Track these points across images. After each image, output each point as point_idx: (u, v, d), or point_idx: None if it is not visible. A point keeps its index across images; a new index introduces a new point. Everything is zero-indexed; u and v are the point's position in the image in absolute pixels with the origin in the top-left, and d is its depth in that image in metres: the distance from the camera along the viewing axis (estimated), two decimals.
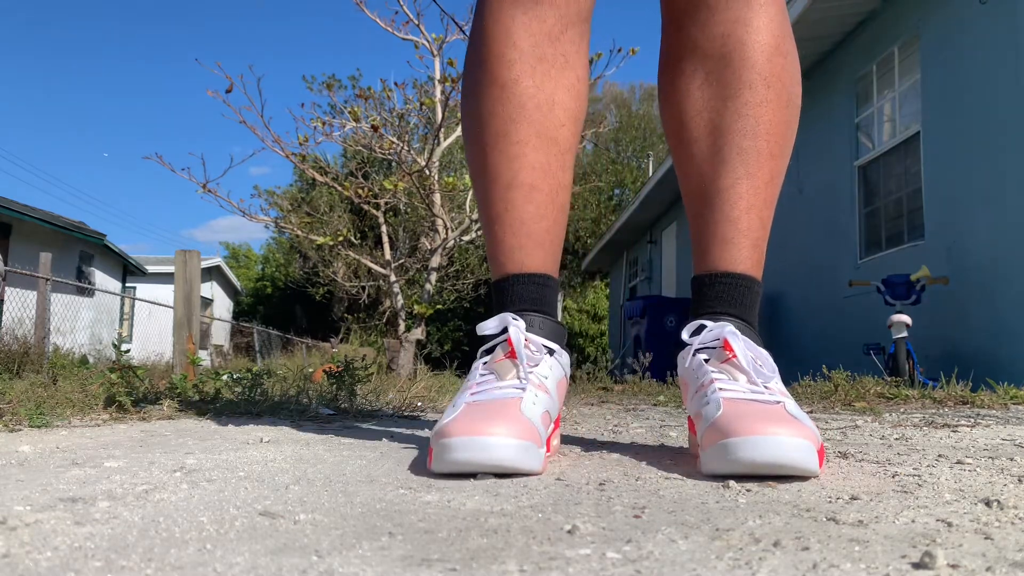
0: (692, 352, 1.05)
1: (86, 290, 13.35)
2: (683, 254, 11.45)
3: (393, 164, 6.54)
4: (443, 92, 5.68)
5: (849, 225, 6.67)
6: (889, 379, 2.96)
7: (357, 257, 6.26)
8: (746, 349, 1.00)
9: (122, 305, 17.47)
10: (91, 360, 7.88)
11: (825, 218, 7.14)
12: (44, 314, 7.54)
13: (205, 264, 21.55)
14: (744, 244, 1.10)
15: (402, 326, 5.82)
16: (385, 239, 6.20)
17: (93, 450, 1.15)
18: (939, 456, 1.07)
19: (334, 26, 53.91)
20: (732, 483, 0.83)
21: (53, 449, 1.16)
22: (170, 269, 7.19)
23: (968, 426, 1.58)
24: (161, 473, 0.92)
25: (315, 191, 21.32)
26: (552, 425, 1.04)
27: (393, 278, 6.01)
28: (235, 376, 2.24)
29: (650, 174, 16.03)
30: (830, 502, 0.73)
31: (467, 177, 4.93)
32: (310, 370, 4.05)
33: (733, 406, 0.91)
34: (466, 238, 6.16)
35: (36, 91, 62.45)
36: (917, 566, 0.51)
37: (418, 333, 5.64)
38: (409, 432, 1.47)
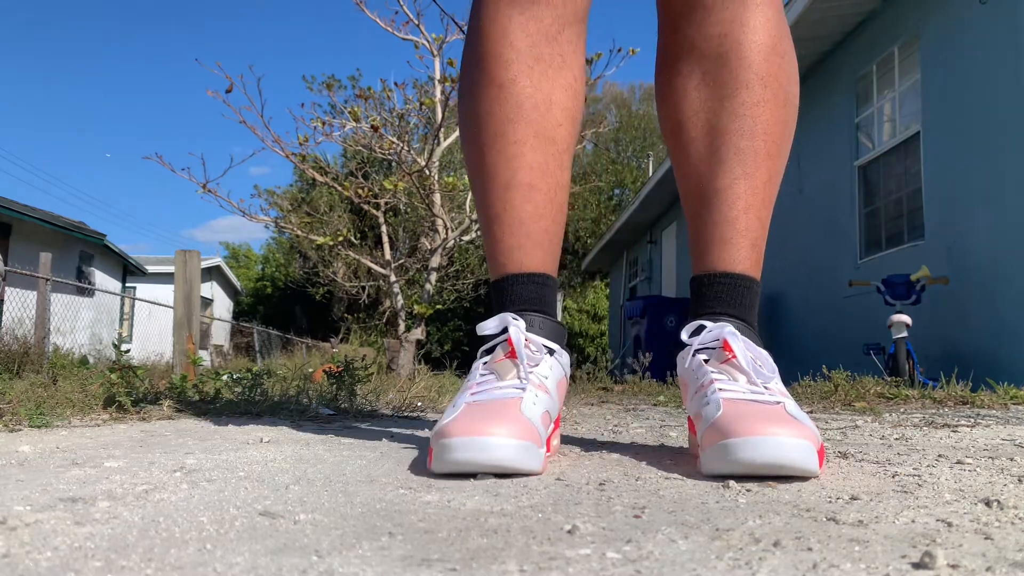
0: (692, 353, 1.05)
1: (86, 290, 13.35)
2: (683, 254, 11.45)
3: (393, 164, 6.54)
4: (443, 92, 5.69)
5: (849, 225, 6.67)
6: (889, 379, 2.96)
7: (357, 257, 6.26)
8: (746, 349, 1.00)
9: (122, 305, 17.47)
10: (91, 360, 7.88)
11: (825, 218, 7.14)
12: (44, 314, 7.54)
13: (205, 264, 21.55)
14: (743, 244, 1.10)
15: (402, 326, 5.82)
16: (385, 239, 6.20)
17: (93, 450, 1.15)
18: (939, 456, 1.07)
19: (334, 26, 53.93)
20: (732, 483, 0.83)
21: (53, 449, 1.16)
22: (170, 269, 7.19)
23: (968, 426, 1.58)
24: (161, 473, 0.92)
25: (315, 191, 21.33)
26: (552, 425, 1.04)
27: (393, 278, 6.01)
28: (235, 376, 2.24)
29: (650, 174, 16.03)
30: (830, 502, 0.73)
31: (467, 177, 4.94)
32: (310, 370, 4.05)
33: (733, 406, 0.91)
34: (466, 238, 6.16)
35: (36, 91, 62.50)
36: (917, 566, 0.51)
37: (418, 333, 5.64)
38: (409, 432, 1.47)
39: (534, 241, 1.11)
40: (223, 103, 5.26)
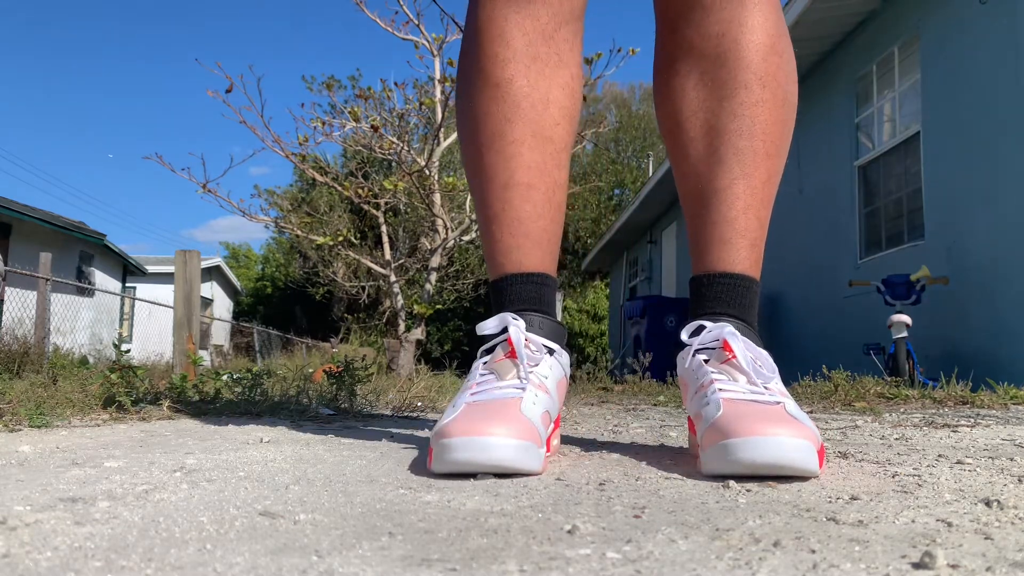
0: (692, 353, 1.05)
1: (86, 290, 13.35)
2: (683, 254, 11.45)
3: (393, 164, 6.54)
4: (443, 92, 5.69)
5: (849, 225, 6.67)
6: (889, 379, 2.96)
7: (357, 257, 6.26)
8: (745, 350, 1.00)
9: (122, 305, 17.47)
10: (91, 360, 7.88)
11: (825, 218, 7.14)
12: (44, 314, 7.54)
13: (205, 264, 21.55)
14: (742, 244, 1.09)
15: (402, 326, 5.82)
16: (385, 239, 6.21)
17: (93, 450, 1.15)
18: (939, 456, 1.07)
19: (334, 26, 53.93)
20: (732, 483, 0.83)
21: (53, 449, 1.16)
22: (170, 269, 7.19)
23: (968, 426, 1.58)
24: (161, 473, 0.92)
25: (315, 191, 21.33)
26: (552, 425, 1.04)
27: (393, 278, 6.01)
28: (235, 376, 2.24)
29: (650, 174, 16.02)
30: (830, 502, 0.73)
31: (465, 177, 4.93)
32: (310, 370, 4.05)
33: (733, 407, 0.91)
34: (466, 238, 6.16)
35: (36, 91, 62.50)
36: (917, 566, 0.51)
37: (418, 333, 5.64)
38: (409, 432, 1.47)
39: (533, 241, 1.11)
40: (223, 103, 5.27)
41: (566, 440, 1.30)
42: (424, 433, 1.45)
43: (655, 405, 2.68)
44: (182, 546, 0.58)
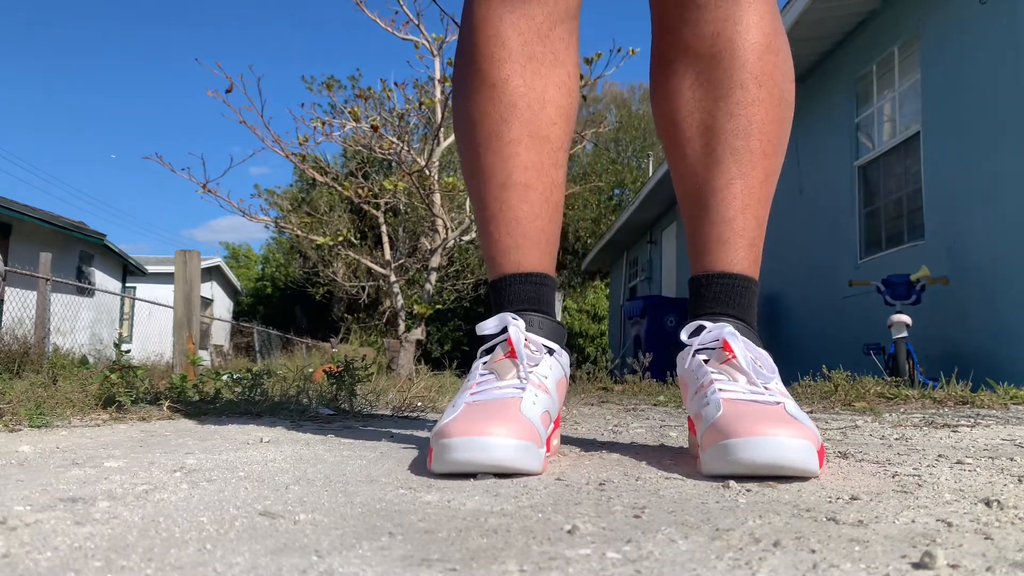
0: (691, 353, 1.05)
1: (86, 290, 13.35)
2: (683, 254, 11.45)
3: (393, 164, 6.54)
4: (443, 92, 5.69)
5: (849, 225, 6.67)
6: (889, 379, 2.96)
7: (357, 257, 6.27)
8: (745, 350, 1.00)
9: (122, 305, 17.47)
10: (91, 360, 7.88)
11: (825, 218, 7.14)
12: (44, 314, 7.54)
13: (205, 264, 21.55)
14: (740, 244, 1.09)
15: (402, 326, 5.82)
16: (385, 239, 6.21)
17: (93, 450, 1.15)
18: (939, 456, 1.07)
19: (334, 26, 53.93)
20: (732, 483, 0.83)
21: (53, 449, 1.16)
22: (170, 269, 7.19)
23: (968, 426, 1.58)
24: (161, 473, 0.92)
25: (315, 191, 21.33)
26: (552, 425, 1.04)
27: (393, 278, 6.01)
28: (235, 376, 2.24)
29: (650, 174, 16.02)
30: (830, 502, 0.73)
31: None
32: (310, 370, 4.05)
33: (733, 407, 0.91)
34: (466, 238, 6.16)
35: (36, 91, 62.48)
36: (917, 566, 0.51)
37: (418, 333, 5.64)
38: (409, 432, 1.47)
39: (531, 241, 1.11)
40: (223, 103, 5.27)
41: (566, 440, 1.30)
42: (424, 433, 1.45)
43: (655, 405, 2.68)
44: (182, 546, 0.58)
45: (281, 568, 0.52)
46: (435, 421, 1.72)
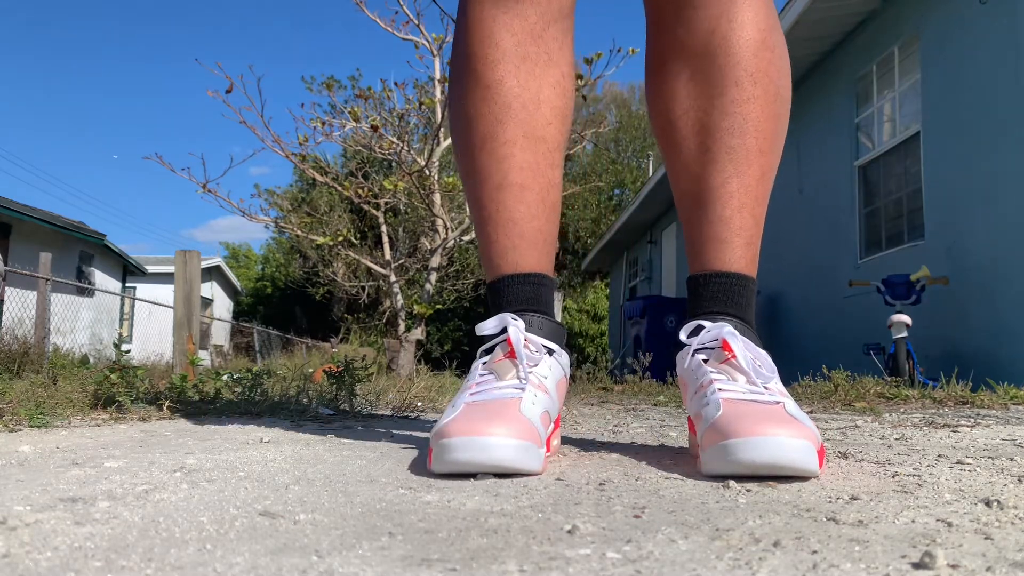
0: (691, 353, 1.05)
1: (86, 290, 13.35)
2: (683, 254, 11.33)
3: (393, 164, 6.54)
4: (443, 92, 5.69)
5: (849, 225, 6.68)
6: (889, 379, 2.96)
7: (357, 257, 6.27)
8: (745, 349, 1.00)
9: (122, 305, 17.47)
10: (91, 360, 7.88)
11: (825, 218, 7.14)
12: (44, 314, 7.54)
13: (205, 264, 21.55)
14: (737, 243, 1.09)
15: (402, 326, 5.82)
16: (385, 239, 6.21)
17: (93, 450, 1.15)
18: (939, 456, 1.07)
19: (334, 26, 53.93)
20: (732, 483, 0.83)
21: (53, 449, 1.16)
22: (170, 269, 7.19)
23: (968, 426, 1.58)
24: (161, 473, 0.92)
25: (315, 191, 21.33)
26: (552, 425, 1.04)
27: (393, 278, 6.01)
28: (235, 376, 2.24)
29: (650, 174, 16.02)
30: (830, 502, 0.73)
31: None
32: (310, 370, 4.05)
33: (732, 407, 0.91)
34: (466, 238, 6.16)
35: (36, 91, 62.48)
36: (917, 566, 0.51)
37: (418, 333, 5.64)
38: (409, 432, 1.47)
39: (528, 241, 1.11)
40: (223, 103, 5.27)
41: (566, 440, 1.30)
42: (424, 433, 1.45)
43: (655, 405, 2.68)
44: (182, 546, 0.58)
45: (281, 568, 0.52)
46: (435, 421, 1.72)
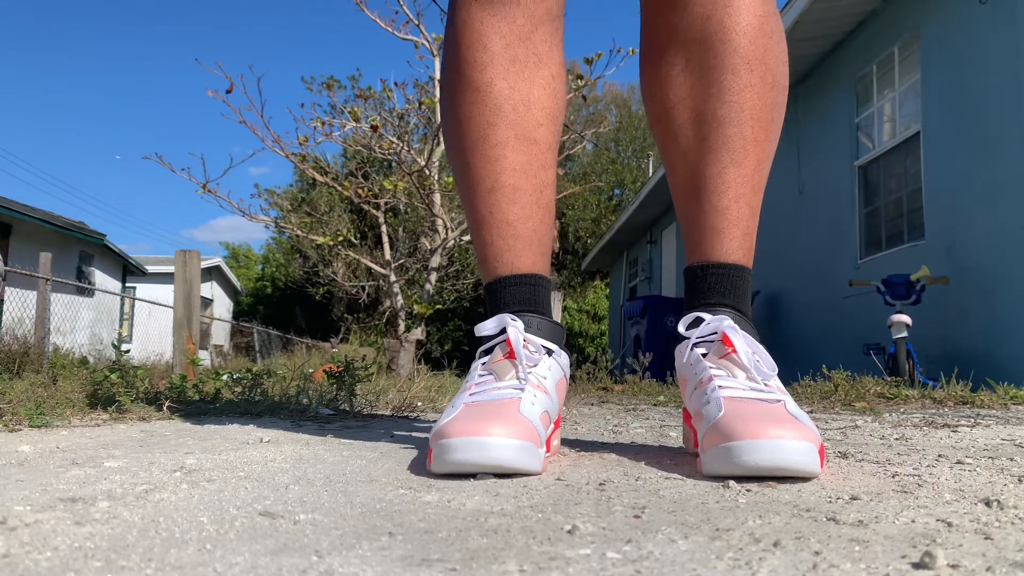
0: (690, 346, 1.04)
1: (86, 290, 13.35)
2: (683, 254, 11.42)
3: (393, 164, 6.54)
4: None
5: (849, 225, 6.68)
6: (889, 379, 2.96)
7: (357, 257, 6.27)
8: (745, 344, 0.99)
9: (122, 305, 17.47)
10: (91, 360, 7.88)
11: (825, 218, 7.14)
12: (44, 314, 7.54)
13: (205, 264, 21.56)
14: (735, 234, 1.09)
15: (402, 326, 5.83)
16: (385, 239, 6.21)
17: (93, 450, 1.15)
18: (939, 456, 1.07)
19: (334, 26, 53.94)
20: (732, 483, 0.83)
21: (53, 449, 1.16)
22: (170, 269, 7.19)
23: (968, 426, 1.58)
24: (161, 473, 0.92)
25: (315, 191, 21.33)
26: (552, 425, 1.04)
27: (393, 278, 6.02)
28: (235, 376, 2.24)
29: (650, 174, 16.02)
30: (830, 502, 0.73)
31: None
32: (310, 370, 4.05)
33: (734, 406, 0.90)
34: (466, 238, 6.16)
35: (36, 91, 62.46)
36: (917, 566, 0.51)
37: (418, 333, 5.64)
38: (409, 432, 1.47)
39: (523, 242, 1.11)
40: (223, 103, 5.27)
41: (566, 440, 1.30)
42: (424, 433, 1.45)
43: (655, 405, 2.68)
44: (182, 546, 0.58)
45: (281, 568, 0.52)
46: (435, 421, 1.72)
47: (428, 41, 5.74)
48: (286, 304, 28.44)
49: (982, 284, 4.81)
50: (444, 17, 6.49)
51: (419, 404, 2.44)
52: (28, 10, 54.68)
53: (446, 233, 5.79)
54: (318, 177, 5.86)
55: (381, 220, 6.25)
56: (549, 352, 1.06)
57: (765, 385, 0.95)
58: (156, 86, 60.71)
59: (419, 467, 0.97)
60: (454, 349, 21.89)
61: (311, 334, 21.57)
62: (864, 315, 5.96)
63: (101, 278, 17.29)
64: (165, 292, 13.23)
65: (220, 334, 21.39)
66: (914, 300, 4.93)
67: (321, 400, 2.09)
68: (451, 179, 5.75)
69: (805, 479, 0.85)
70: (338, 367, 2.14)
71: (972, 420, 1.76)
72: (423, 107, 5.87)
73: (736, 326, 1.01)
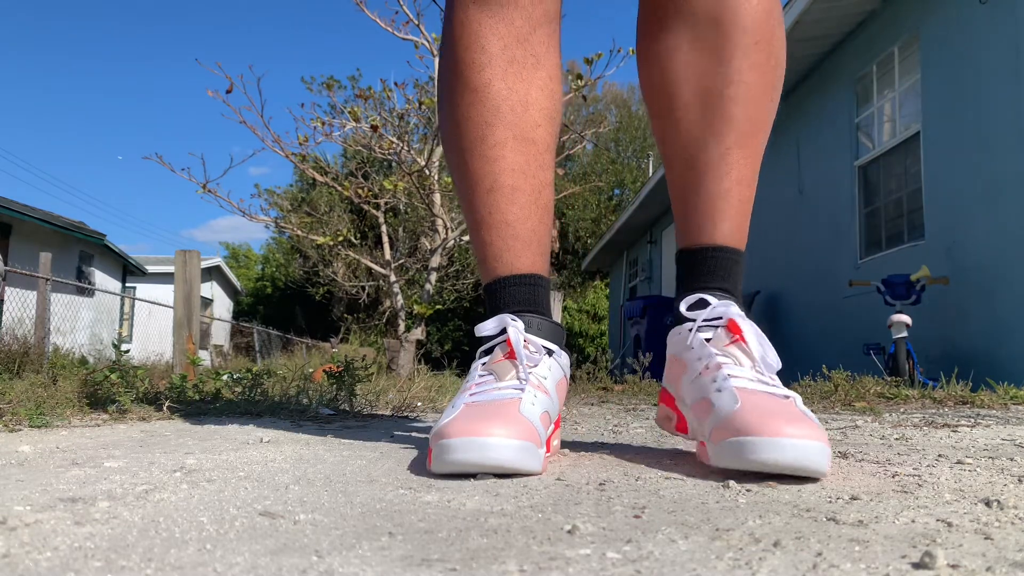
0: (694, 329, 1.02)
1: (86, 290, 13.35)
2: None
3: (393, 164, 6.54)
4: None
5: (849, 225, 6.68)
6: (889, 379, 2.96)
7: (357, 257, 6.27)
8: (755, 335, 0.98)
9: (122, 305, 17.47)
10: (91, 360, 7.88)
11: (825, 218, 7.14)
12: (44, 314, 7.54)
13: (205, 264, 21.56)
14: (735, 217, 1.08)
15: (402, 326, 5.83)
16: (385, 239, 6.21)
17: (93, 450, 1.15)
18: (939, 456, 1.07)
19: (334, 26, 53.94)
20: (732, 483, 0.83)
21: (53, 449, 1.16)
22: (170, 269, 7.19)
23: (968, 426, 1.58)
24: (161, 473, 0.92)
25: (315, 191, 21.33)
26: (552, 426, 1.04)
27: (393, 278, 6.02)
28: (235, 376, 2.24)
29: (650, 174, 16.03)
30: (830, 502, 0.73)
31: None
32: (310, 370, 4.05)
33: (749, 398, 0.89)
34: (466, 238, 6.16)
35: (36, 91, 62.45)
36: (917, 566, 0.51)
37: (418, 333, 5.64)
38: (409, 432, 1.47)
39: (522, 243, 1.11)
40: (223, 103, 5.27)
41: (566, 440, 1.30)
42: (424, 433, 1.45)
43: (655, 405, 2.68)
44: (182, 546, 0.58)
45: (281, 568, 0.52)
46: (435, 421, 1.72)
47: (428, 41, 5.74)
48: (286, 304, 28.44)
49: (982, 284, 4.81)
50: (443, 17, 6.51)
51: (419, 404, 2.44)
52: (28, 10, 54.68)
53: (446, 233, 5.79)
54: (318, 177, 5.86)
55: (381, 220, 6.25)
56: (549, 352, 1.06)
57: (771, 378, 0.95)
58: (156, 86, 60.72)
59: (419, 467, 0.97)
60: (454, 349, 21.89)
61: (311, 334, 21.57)
62: (864, 315, 5.96)
63: (101, 278, 17.29)
64: (165, 292, 13.24)
65: (220, 334, 21.39)
66: (914, 300, 4.93)
67: (321, 400, 2.09)
68: (451, 179, 5.75)
69: (808, 479, 0.85)
70: (338, 367, 2.14)
71: (972, 420, 1.76)
72: (423, 107, 5.87)
73: (743, 313, 1.01)
